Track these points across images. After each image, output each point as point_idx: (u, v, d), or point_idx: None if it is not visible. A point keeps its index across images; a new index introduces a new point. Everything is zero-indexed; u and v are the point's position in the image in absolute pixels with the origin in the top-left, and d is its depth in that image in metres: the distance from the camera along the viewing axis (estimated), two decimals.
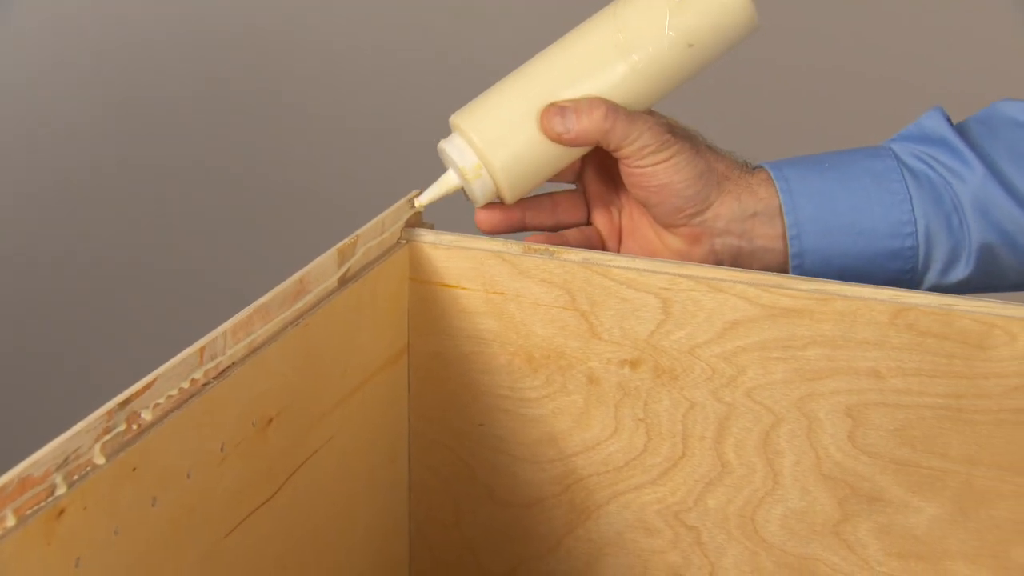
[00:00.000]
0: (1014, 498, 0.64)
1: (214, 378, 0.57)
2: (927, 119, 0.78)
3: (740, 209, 0.74)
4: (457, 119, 0.73)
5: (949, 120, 0.77)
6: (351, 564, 0.70)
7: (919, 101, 1.63)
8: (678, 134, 0.73)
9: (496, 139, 0.72)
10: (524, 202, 0.75)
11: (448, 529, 0.75)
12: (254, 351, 0.59)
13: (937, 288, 0.76)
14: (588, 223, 0.79)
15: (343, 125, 1.89)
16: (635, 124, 0.72)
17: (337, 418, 0.67)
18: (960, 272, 0.75)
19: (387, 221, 0.71)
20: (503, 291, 0.71)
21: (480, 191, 0.73)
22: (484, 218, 0.75)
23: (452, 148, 0.73)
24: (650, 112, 0.74)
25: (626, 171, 0.73)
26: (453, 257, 0.72)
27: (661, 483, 0.71)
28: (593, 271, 0.69)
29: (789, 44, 1.68)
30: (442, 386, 0.74)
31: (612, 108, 0.72)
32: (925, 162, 0.75)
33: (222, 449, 0.57)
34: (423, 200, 0.73)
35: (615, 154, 0.73)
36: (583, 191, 0.79)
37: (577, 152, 0.73)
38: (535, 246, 0.70)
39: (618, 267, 0.69)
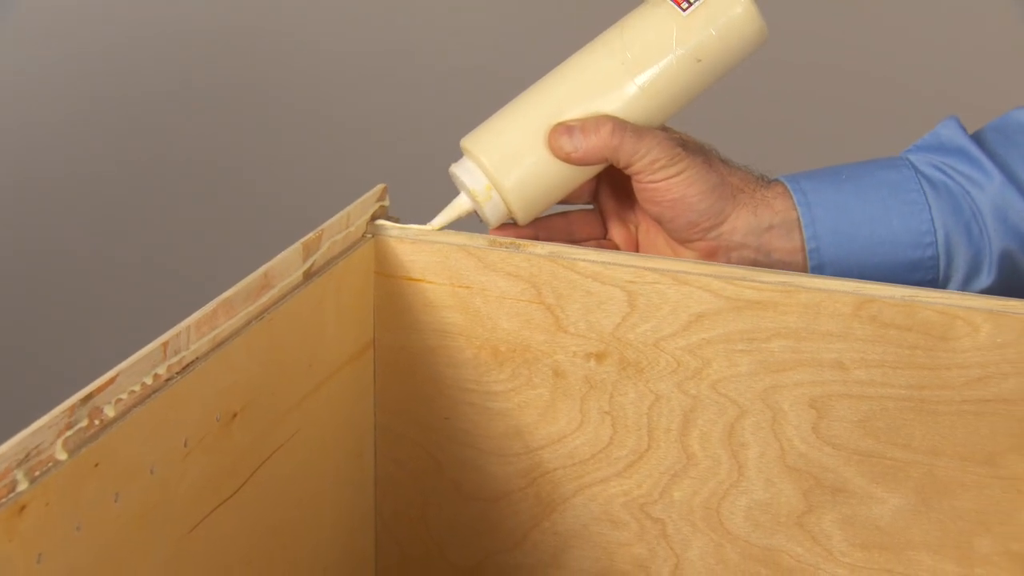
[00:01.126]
0: (976, 488, 0.65)
1: (177, 373, 0.57)
2: (943, 129, 0.78)
3: (756, 222, 0.73)
4: (466, 142, 0.73)
5: (964, 129, 0.77)
6: (317, 558, 0.70)
7: (929, 105, 1.65)
8: (689, 148, 0.73)
9: (505, 160, 0.72)
10: (537, 222, 0.75)
11: (414, 523, 0.75)
12: (218, 346, 0.59)
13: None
14: (605, 239, 0.78)
15: (310, 120, 1.88)
16: (643, 139, 0.71)
17: (302, 413, 0.67)
18: (983, 282, 0.75)
19: (352, 215, 0.71)
20: (469, 285, 0.71)
21: (492, 213, 0.73)
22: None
23: (463, 171, 0.73)
24: (662, 128, 0.74)
25: (638, 187, 0.73)
26: (419, 251, 0.71)
27: (627, 476, 0.71)
28: (559, 264, 0.69)
29: (795, 48, 1.69)
30: (408, 380, 0.74)
31: (619, 124, 0.71)
32: (943, 171, 0.75)
33: (185, 444, 0.57)
34: (436, 224, 0.72)
35: (626, 171, 0.72)
36: (599, 210, 0.78)
37: (588, 172, 0.73)
38: (501, 240, 0.71)
39: (584, 260, 0.69)
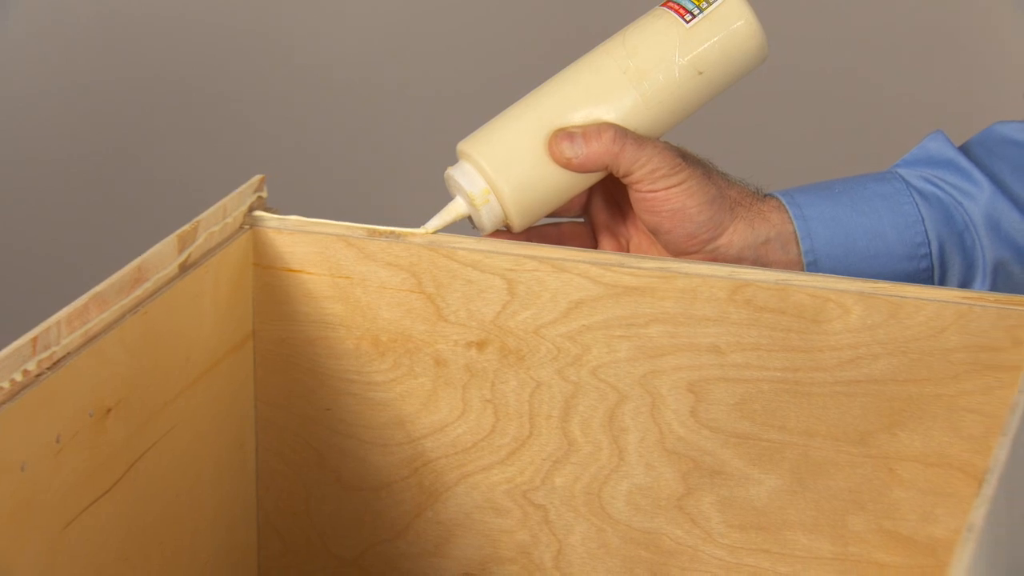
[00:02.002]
0: (849, 467, 0.66)
1: (48, 368, 0.56)
2: (930, 142, 0.79)
3: (753, 236, 0.74)
4: (464, 146, 0.72)
5: (951, 142, 0.78)
6: (197, 553, 0.70)
7: (912, 117, 1.66)
8: (689, 159, 0.72)
9: (504, 164, 0.71)
10: (529, 231, 0.74)
11: (297, 515, 0.75)
12: (90, 340, 0.58)
13: None
14: None
15: (188, 112, 1.86)
16: (644, 148, 0.71)
17: (180, 406, 0.66)
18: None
19: (229, 206, 0.70)
20: (349, 275, 0.71)
21: (488, 218, 0.72)
22: None
23: (460, 174, 0.72)
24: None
25: (637, 196, 0.72)
26: (298, 242, 0.71)
27: (509, 463, 0.71)
28: (439, 253, 0.69)
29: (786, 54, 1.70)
30: (289, 372, 0.73)
31: (621, 132, 0.71)
32: (934, 184, 0.76)
33: (58, 441, 0.56)
34: (430, 227, 0.71)
35: (625, 180, 0.72)
36: (590, 223, 0.78)
37: (586, 180, 0.73)
38: (380, 229, 0.70)
39: (463, 249, 0.69)
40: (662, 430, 0.68)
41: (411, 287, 0.70)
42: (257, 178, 0.73)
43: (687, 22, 0.72)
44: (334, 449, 0.73)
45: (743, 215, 0.74)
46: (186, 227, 0.66)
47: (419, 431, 0.72)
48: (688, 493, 0.69)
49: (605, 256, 0.68)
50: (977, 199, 0.76)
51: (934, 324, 0.63)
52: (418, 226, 0.71)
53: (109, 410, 0.60)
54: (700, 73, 0.72)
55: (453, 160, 0.74)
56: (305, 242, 0.71)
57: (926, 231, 0.75)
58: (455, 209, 0.72)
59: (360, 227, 0.71)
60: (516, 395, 0.70)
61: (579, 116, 0.72)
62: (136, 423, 0.62)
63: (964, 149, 0.79)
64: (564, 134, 0.71)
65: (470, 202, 0.72)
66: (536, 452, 0.71)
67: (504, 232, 0.74)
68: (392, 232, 0.70)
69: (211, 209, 0.69)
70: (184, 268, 0.66)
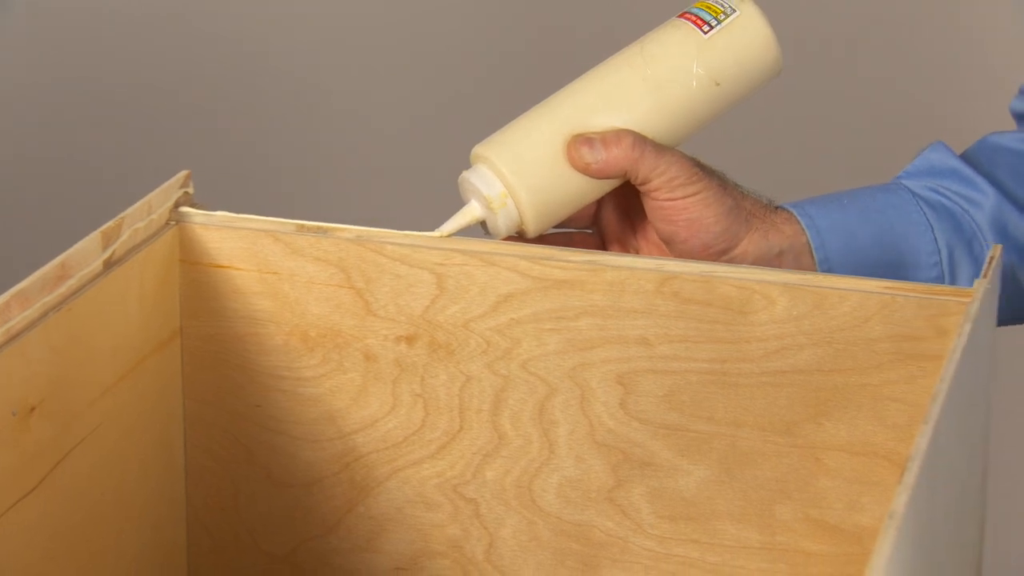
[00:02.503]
0: (775, 457, 0.67)
1: None
2: (932, 153, 0.79)
3: (767, 247, 0.73)
4: (482, 149, 0.72)
5: (953, 151, 0.79)
6: (125, 551, 0.69)
7: (910, 125, 1.67)
8: (705, 169, 0.72)
9: (522, 168, 0.71)
10: (540, 240, 0.73)
11: (226, 512, 0.74)
12: (12, 338, 0.58)
13: None
14: None
15: (114, 108, 1.84)
16: (663, 156, 0.70)
17: (106, 404, 0.65)
18: None
19: (154, 202, 0.70)
20: (277, 270, 0.70)
21: (504, 221, 0.71)
22: None
23: (477, 177, 0.71)
24: None
25: (654, 205, 0.72)
26: (225, 237, 0.71)
27: (440, 457, 0.71)
28: (367, 248, 0.69)
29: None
30: (217, 368, 0.73)
31: (640, 139, 0.70)
32: (939, 193, 0.77)
33: None
34: (445, 230, 0.70)
35: (643, 187, 0.71)
36: (600, 234, 0.77)
37: (602, 186, 0.72)
38: (308, 224, 0.70)
39: (392, 244, 0.69)
40: (592, 422, 0.69)
41: (340, 282, 0.70)
42: (183, 174, 0.72)
43: (705, 33, 0.72)
44: (264, 445, 0.73)
45: (757, 227, 0.73)
46: (110, 223, 0.66)
47: (349, 426, 0.72)
48: (618, 485, 0.69)
49: (533, 249, 0.68)
50: (983, 206, 0.77)
51: (858, 314, 0.64)
52: (345, 223, 0.70)
53: (33, 408, 0.59)
54: (717, 84, 0.72)
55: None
56: (232, 237, 0.70)
57: (935, 239, 0.76)
58: (470, 212, 0.71)
59: (288, 222, 0.70)
60: (446, 389, 0.70)
61: (597, 123, 0.72)
62: (61, 421, 0.62)
63: (963, 157, 0.80)
64: (583, 139, 0.71)
65: (487, 205, 0.71)
66: (467, 446, 0.71)
67: (515, 239, 0.73)
68: (320, 227, 0.70)
69: (135, 205, 0.68)
70: (108, 265, 0.65)
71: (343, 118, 1.83)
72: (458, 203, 0.73)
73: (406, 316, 0.69)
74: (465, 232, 0.71)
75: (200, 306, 0.72)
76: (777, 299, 0.65)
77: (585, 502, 0.70)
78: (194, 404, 0.73)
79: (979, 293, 0.60)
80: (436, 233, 0.69)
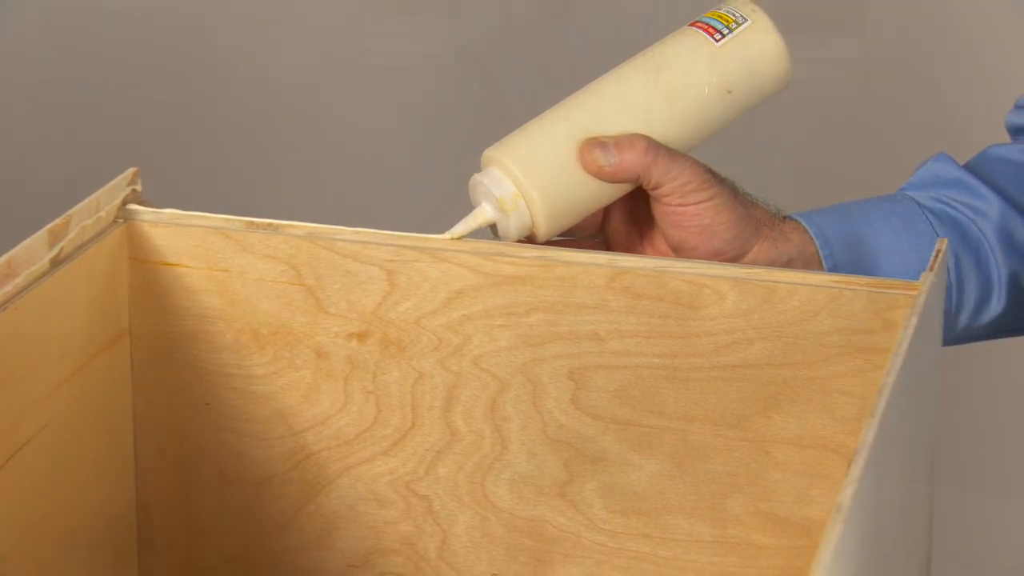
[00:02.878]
0: (726, 451, 0.67)
1: None
2: (936, 164, 0.80)
3: (776, 255, 0.73)
4: (494, 152, 0.72)
5: (956, 162, 0.79)
6: (76, 553, 0.69)
7: (911, 135, 1.66)
8: (716, 176, 0.72)
9: (535, 171, 0.71)
10: (548, 244, 0.73)
11: (177, 511, 0.74)
12: None
13: (969, 330, 0.78)
14: None
15: (63, 106, 1.82)
16: (676, 161, 0.70)
17: (53, 404, 0.65)
18: (993, 309, 0.77)
19: (102, 199, 0.69)
20: (227, 268, 0.70)
21: (515, 224, 0.71)
22: None
23: (489, 179, 0.71)
24: None
25: (665, 211, 0.71)
26: (174, 235, 0.70)
27: (392, 454, 0.71)
28: (317, 245, 0.69)
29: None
30: (167, 367, 0.72)
31: (653, 143, 0.70)
32: (945, 203, 0.77)
33: None
34: (456, 232, 0.69)
35: (654, 192, 0.71)
36: (606, 242, 0.76)
37: (613, 191, 0.72)
38: (258, 221, 0.70)
39: (342, 240, 0.69)
40: (544, 418, 0.69)
41: (290, 279, 0.69)
42: (130, 171, 0.72)
43: (716, 41, 0.73)
44: (215, 444, 0.73)
45: (767, 235, 0.73)
46: (57, 221, 0.65)
47: (301, 424, 0.72)
48: (570, 480, 0.69)
49: (485, 245, 0.68)
50: (988, 215, 0.78)
51: (807, 308, 0.64)
52: (295, 220, 0.70)
53: None
54: (729, 92, 0.73)
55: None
56: (181, 235, 0.70)
57: None
58: (481, 215, 0.71)
59: (238, 219, 0.70)
60: (398, 386, 0.70)
61: (610, 127, 0.72)
62: (8, 421, 0.61)
63: (966, 169, 0.81)
64: (596, 142, 0.70)
65: (499, 207, 0.71)
66: (419, 443, 0.70)
67: (527, 242, 0.72)
68: (270, 224, 0.69)
69: (83, 203, 0.67)
70: (56, 263, 0.65)
71: (327, 120, 1.82)
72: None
73: (357, 313, 0.69)
74: (476, 234, 0.71)
75: (149, 304, 0.71)
76: (727, 294, 0.65)
77: (538, 498, 0.70)
78: (144, 403, 0.73)
79: (926, 286, 0.61)
80: (447, 235, 0.69)
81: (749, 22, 0.73)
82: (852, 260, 0.75)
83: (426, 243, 0.68)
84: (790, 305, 0.65)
